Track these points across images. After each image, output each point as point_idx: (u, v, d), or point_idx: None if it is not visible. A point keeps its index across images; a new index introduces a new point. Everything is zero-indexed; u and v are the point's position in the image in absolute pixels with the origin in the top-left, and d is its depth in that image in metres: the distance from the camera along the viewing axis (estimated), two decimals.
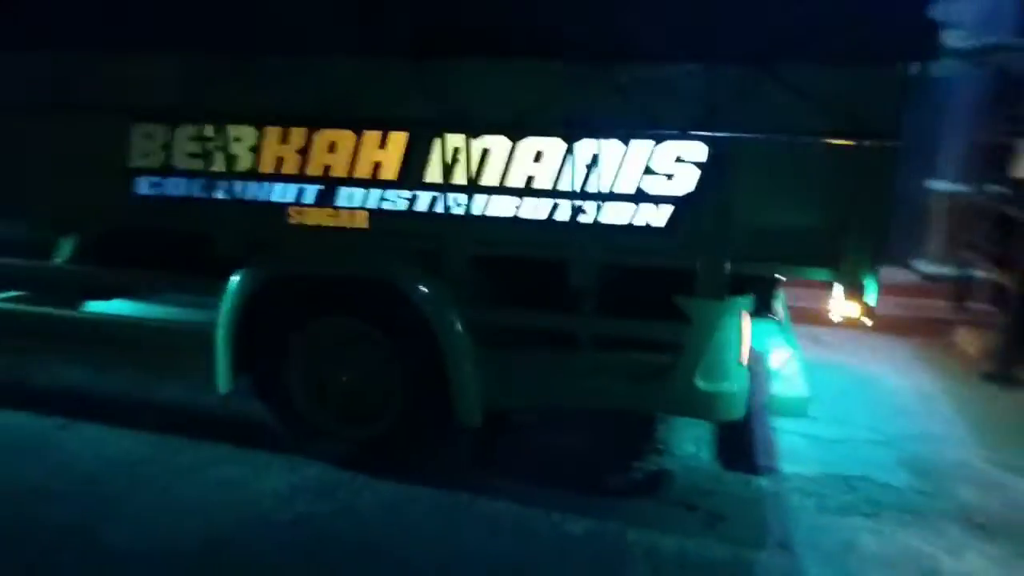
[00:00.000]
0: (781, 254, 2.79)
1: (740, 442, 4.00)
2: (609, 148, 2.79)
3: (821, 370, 4.98)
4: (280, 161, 3.12)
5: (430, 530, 3.15)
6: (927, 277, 6.01)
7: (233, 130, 3.10)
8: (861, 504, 3.51)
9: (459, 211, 2.98)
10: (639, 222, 2.85)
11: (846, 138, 2.57)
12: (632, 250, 2.90)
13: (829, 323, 5.47)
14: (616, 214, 2.86)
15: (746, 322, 3.09)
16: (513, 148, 2.87)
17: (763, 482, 3.68)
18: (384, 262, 3.15)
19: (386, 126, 2.96)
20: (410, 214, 3.03)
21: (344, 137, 3.02)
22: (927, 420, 4.35)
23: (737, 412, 3.11)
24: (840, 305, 2.91)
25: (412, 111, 2.92)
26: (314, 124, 3.03)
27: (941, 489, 3.66)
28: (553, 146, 2.84)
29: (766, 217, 2.74)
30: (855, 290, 2.79)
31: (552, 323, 3.13)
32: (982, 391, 4.75)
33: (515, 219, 2.95)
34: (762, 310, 3.70)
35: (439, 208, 3.00)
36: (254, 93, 3.04)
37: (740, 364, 3.09)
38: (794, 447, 4.02)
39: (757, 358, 3.45)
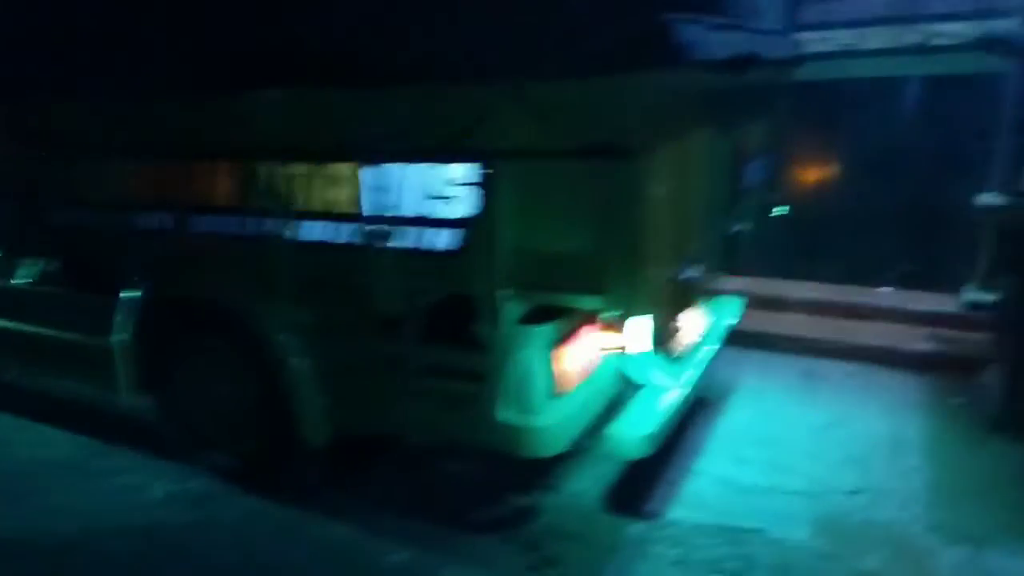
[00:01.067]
0: (552, 281, 2.61)
1: (635, 483, 3.75)
2: (392, 173, 2.79)
3: (790, 408, 4.51)
4: (143, 194, 3.44)
5: (263, 548, 3.28)
6: (971, 306, 5.17)
7: (107, 166, 3.47)
8: (730, 560, 3.16)
9: (277, 236, 3.11)
10: (426, 246, 2.80)
11: (589, 156, 2.39)
12: (425, 275, 2.86)
13: (849, 356, 5.06)
14: (407, 238, 2.84)
15: (563, 353, 2.92)
16: (314, 174, 2.96)
17: (638, 528, 3.42)
18: (218, 285, 3.35)
19: (213, 157, 3.17)
20: (238, 239, 3.20)
21: (184, 170, 3.28)
22: (882, 473, 3.76)
23: (550, 448, 2.94)
24: (609, 337, 2.67)
25: (231, 142, 3.10)
26: (160, 159, 3.32)
27: (842, 551, 3.19)
28: (346, 172, 2.89)
29: (533, 243, 2.59)
30: (622, 319, 2.54)
31: (370, 348, 3.15)
32: (982, 443, 4.01)
33: (321, 244, 3.03)
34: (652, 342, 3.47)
35: (259, 233, 3.14)
36: (115, 134, 3.39)
37: (552, 397, 2.92)
38: (703, 493, 3.68)
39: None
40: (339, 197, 2.90)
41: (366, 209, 2.85)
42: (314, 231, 3.02)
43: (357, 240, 2.92)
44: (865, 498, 3.56)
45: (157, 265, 3.57)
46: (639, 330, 2.56)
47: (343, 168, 2.85)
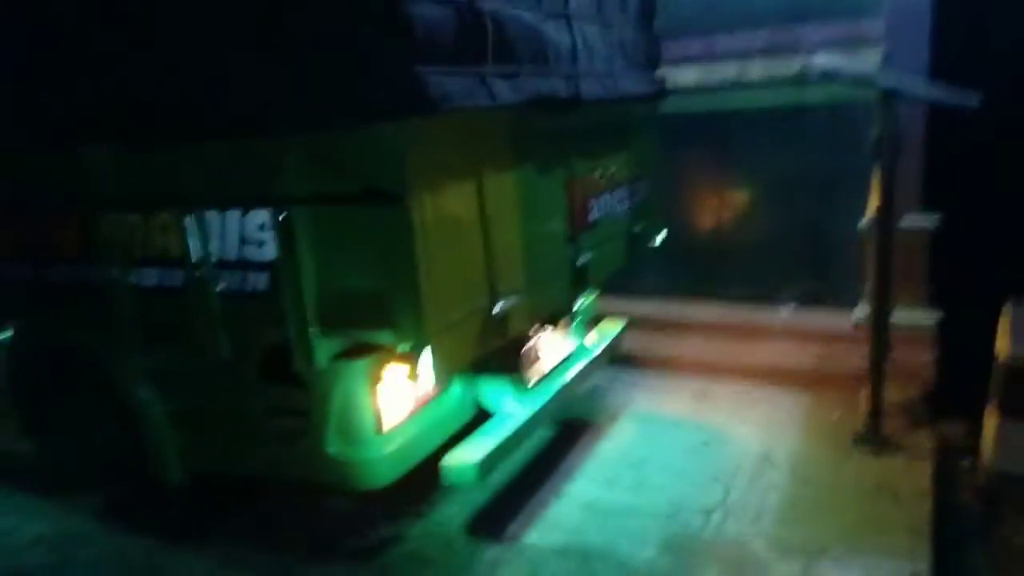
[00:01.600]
0: (352, 319, 2.74)
1: (502, 507, 3.85)
2: (211, 221, 2.92)
3: (673, 429, 4.61)
4: (15, 245, 3.58)
5: None
6: (857, 323, 5.29)
7: None
8: None
9: (120, 284, 3.24)
10: (247, 289, 2.93)
11: (363, 201, 2.54)
12: (248, 317, 2.98)
13: (742, 376, 5.16)
14: (229, 282, 2.97)
15: (388, 387, 3.04)
16: (145, 224, 3.10)
17: (493, 551, 3.50)
18: (76, 333, 3.48)
19: (60, 209, 3.32)
20: (90, 288, 3.33)
21: (38, 222, 3.43)
22: (742, 490, 3.85)
23: (379, 481, 3.04)
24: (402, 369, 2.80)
25: (71, 195, 3.25)
26: (14, 213, 3.48)
27: (681, 569, 3.28)
28: (171, 221, 3.03)
29: (333, 282, 2.72)
30: (412, 355, 2.67)
31: (211, 390, 3.26)
32: (845, 459, 4.10)
33: (158, 290, 3.16)
34: (505, 372, 3.60)
35: (106, 281, 3.27)
36: None
37: (378, 431, 3.03)
38: (565, 515, 3.77)
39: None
40: (168, 245, 3.04)
41: (192, 255, 2.98)
42: (151, 278, 3.16)
43: (187, 286, 3.06)
44: (719, 515, 3.65)
45: (25, 314, 3.70)
46: (426, 363, 2.67)
47: (167, 217, 3.00)
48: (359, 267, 2.65)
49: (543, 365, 3.87)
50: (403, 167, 2.44)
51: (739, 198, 6.31)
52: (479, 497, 3.97)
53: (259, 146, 2.66)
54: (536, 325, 3.82)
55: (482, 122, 2.77)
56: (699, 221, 6.49)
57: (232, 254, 2.91)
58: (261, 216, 2.77)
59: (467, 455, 3.19)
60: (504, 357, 3.62)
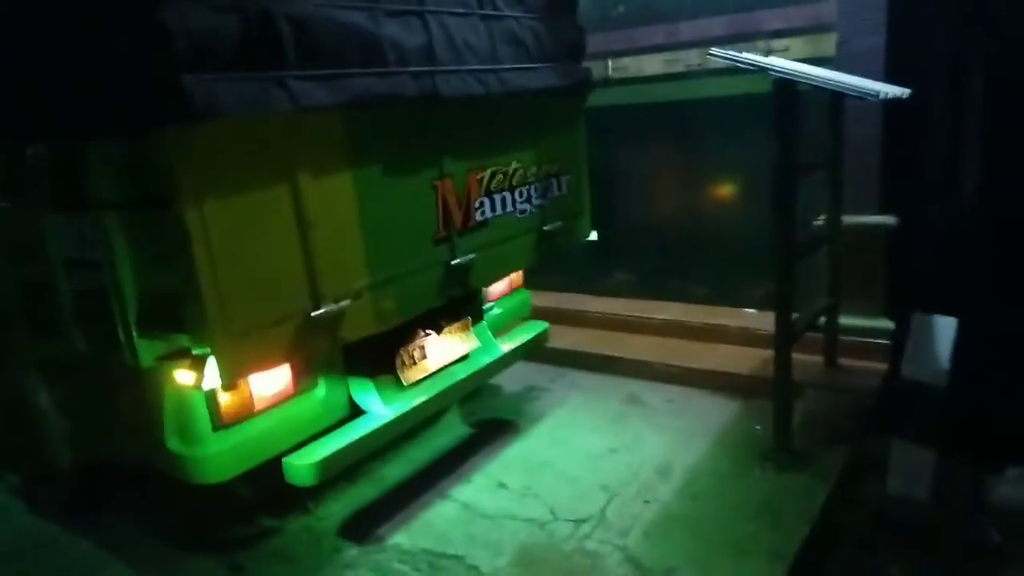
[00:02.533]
0: (160, 321, 2.77)
1: (383, 508, 3.86)
2: (54, 222, 3.05)
3: (588, 434, 4.50)
4: None
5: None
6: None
7: None
8: None
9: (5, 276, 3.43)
10: (89, 289, 3.02)
11: (141, 207, 2.61)
12: (93, 315, 3.05)
13: (681, 380, 4.98)
14: (79, 281, 3.08)
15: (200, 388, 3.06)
16: (14, 220, 3.26)
17: (352, 553, 3.52)
18: None
19: None
20: None
21: None
22: (626, 501, 3.71)
23: (216, 475, 3.09)
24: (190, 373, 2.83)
25: None
26: None
27: None
28: (26, 220, 3.17)
29: (141, 285, 2.77)
30: (203, 359, 2.70)
31: (79, 381, 3.40)
32: (746, 473, 3.88)
33: (30, 285, 3.32)
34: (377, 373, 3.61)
35: None
36: None
37: (216, 427, 3.09)
38: (441, 518, 3.75)
39: None
40: (36, 241, 3.17)
41: (52, 255, 3.11)
42: (22, 273, 3.33)
43: (49, 282, 3.19)
44: (588, 527, 3.54)
45: None
46: (213, 366, 2.70)
47: (23, 217, 3.14)
48: (156, 271, 2.70)
49: (427, 366, 3.84)
50: (173, 173, 2.46)
51: (701, 193, 6.02)
52: (368, 494, 4.01)
53: (75, 150, 2.75)
54: (421, 326, 3.84)
55: (293, 124, 2.75)
56: (659, 217, 6.25)
57: (76, 254, 3.02)
58: (82, 219, 2.86)
59: (308, 455, 3.21)
60: (377, 357, 3.65)
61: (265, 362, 2.94)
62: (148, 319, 2.80)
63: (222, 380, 2.70)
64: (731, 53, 3.56)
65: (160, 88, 2.35)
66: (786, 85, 3.46)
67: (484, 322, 4.34)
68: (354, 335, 3.20)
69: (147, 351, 2.89)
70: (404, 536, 3.61)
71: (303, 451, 3.24)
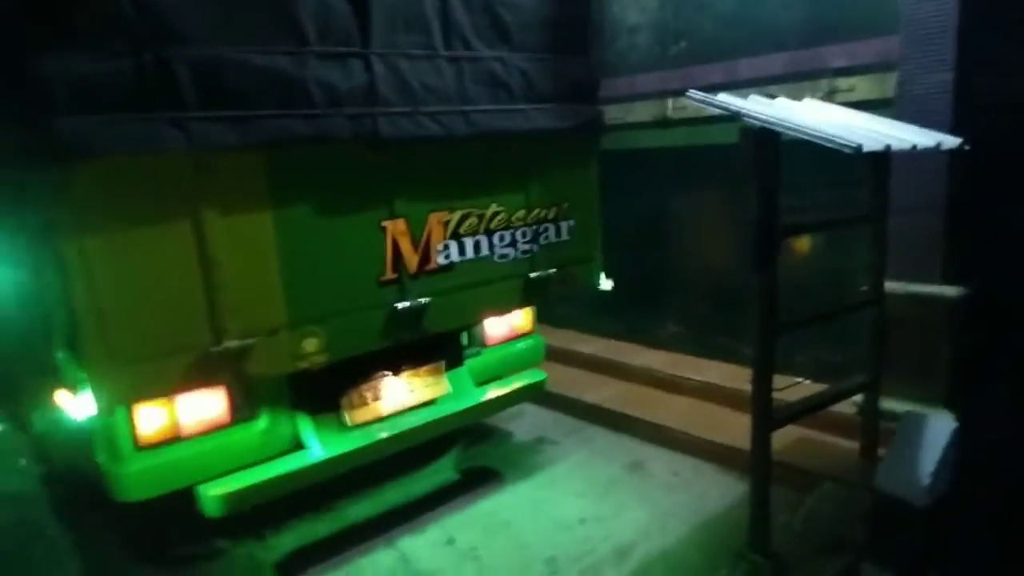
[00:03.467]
0: (70, 345, 2.89)
1: (326, 545, 3.82)
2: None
3: (568, 498, 4.19)
4: None
5: None
6: (859, 409, 4.27)
7: None
8: None
9: None
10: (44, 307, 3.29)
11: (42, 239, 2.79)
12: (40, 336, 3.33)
13: (696, 451, 4.54)
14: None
15: (147, 410, 3.18)
16: None
17: None
18: None
19: None
20: None
21: None
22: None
23: (134, 493, 3.18)
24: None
25: None
26: None
27: None
28: None
29: (59, 309, 2.91)
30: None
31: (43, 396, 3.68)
32: (713, 573, 3.37)
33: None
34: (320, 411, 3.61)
35: None
36: None
37: (136, 448, 3.20)
38: (374, 566, 3.67)
39: None
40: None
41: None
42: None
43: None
44: None
45: None
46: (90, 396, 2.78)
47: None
48: (60, 298, 2.85)
49: (379, 408, 3.76)
50: (54, 207, 2.61)
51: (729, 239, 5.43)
52: (321, 531, 3.98)
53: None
54: (382, 366, 3.78)
55: (204, 163, 2.83)
56: (717, 266, 5.69)
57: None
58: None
59: (217, 485, 3.24)
60: (322, 395, 3.62)
61: (155, 391, 3.01)
62: (66, 342, 2.98)
63: (97, 405, 2.79)
64: (706, 96, 3.15)
65: (41, 130, 2.50)
66: (764, 134, 3.01)
67: (464, 367, 4.18)
68: (269, 371, 3.20)
69: (70, 370, 3.07)
70: None
71: (215, 481, 3.28)
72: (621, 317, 6.22)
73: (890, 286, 4.05)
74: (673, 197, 5.81)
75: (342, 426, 3.64)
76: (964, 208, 3.92)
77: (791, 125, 2.92)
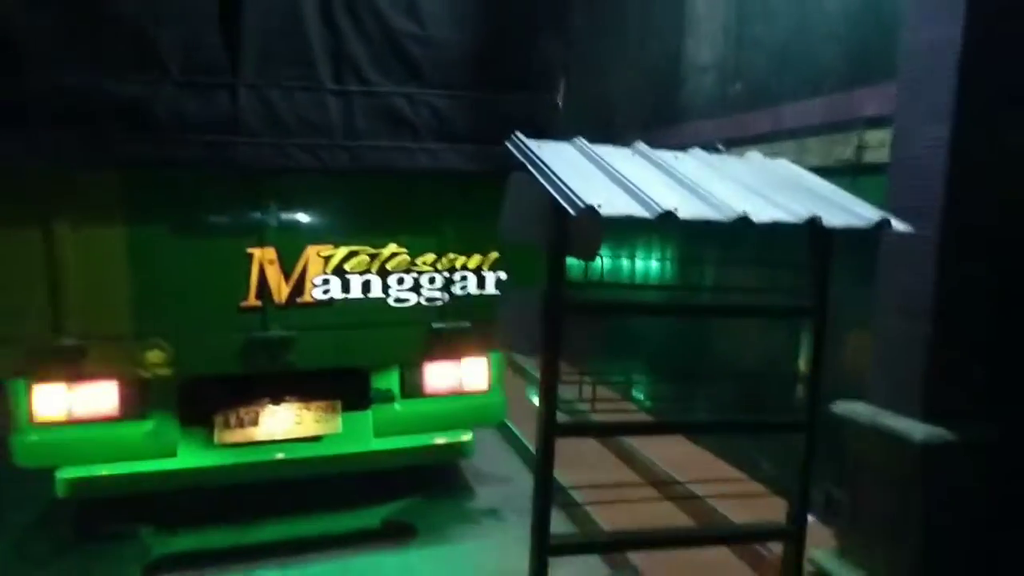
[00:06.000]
0: None
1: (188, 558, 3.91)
2: None
3: None
4: None
5: None
6: None
7: None
8: None
9: None
10: None
11: None
12: None
13: None
14: None
15: (44, 391, 3.58)
16: None
17: None
18: None
19: None
20: None
21: None
22: None
23: (24, 461, 3.57)
24: None
25: None
26: None
27: None
28: None
29: None
30: None
31: None
32: None
33: None
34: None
35: None
36: None
37: (29, 422, 3.62)
38: None
39: None
40: None
41: None
42: None
43: None
44: None
45: None
46: None
47: None
48: None
49: (254, 433, 3.78)
50: None
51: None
52: (217, 540, 4.06)
53: None
54: (268, 393, 3.81)
55: (59, 177, 3.18)
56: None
57: None
58: None
59: (67, 471, 3.54)
60: (196, 409, 3.77)
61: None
62: None
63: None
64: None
65: None
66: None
67: (367, 411, 4.02)
68: (110, 374, 3.43)
69: None
70: None
71: (68, 467, 3.58)
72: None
73: (855, 409, 3.00)
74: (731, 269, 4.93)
75: (208, 442, 3.74)
76: (969, 312, 2.74)
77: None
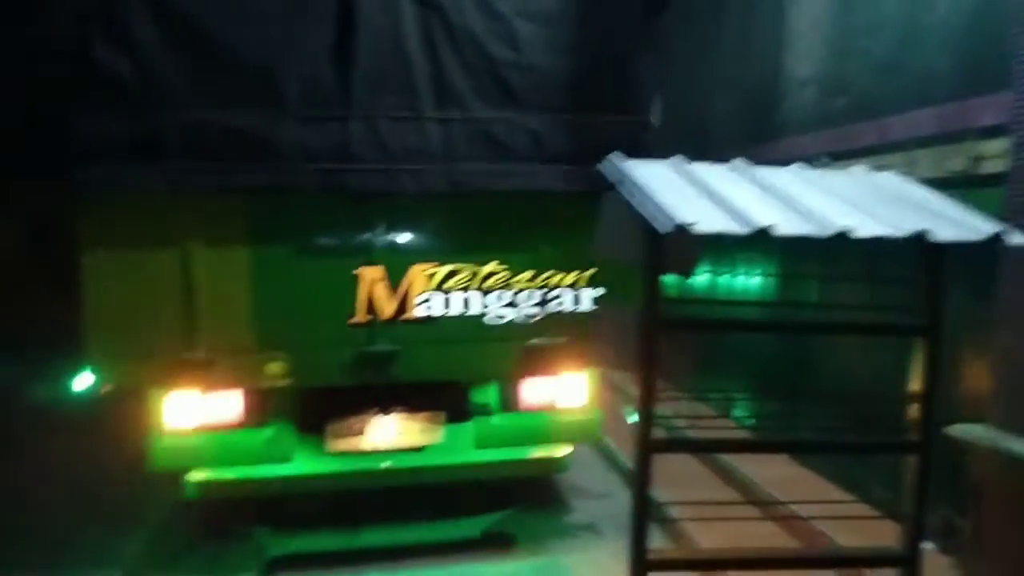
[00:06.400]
0: None
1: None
2: None
3: None
4: None
5: None
6: None
7: None
8: None
9: None
10: None
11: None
12: None
13: None
14: None
15: (174, 399, 3.89)
16: None
17: None
18: None
19: None
20: None
21: None
22: None
23: (160, 465, 3.90)
24: None
25: None
26: None
27: None
28: None
29: None
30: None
31: None
32: None
33: None
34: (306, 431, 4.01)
35: None
36: None
37: (162, 431, 3.94)
38: None
39: None
40: None
41: None
42: None
43: None
44: None
45: None
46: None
47: None
48: None
49: (361, 442, 3.98)
50: (78, 231, 3.47)
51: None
52: (328, 544, 4.27)
53: None
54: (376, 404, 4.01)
55: (191, 204, 3.48)
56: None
57: None
58: None
59: (194, 473, 3.84)
60: (312, 418, 4.01)
61: (140, 381, 3.71)
62: None
63: (94, 385, 3.59)
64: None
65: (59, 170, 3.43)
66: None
67: (469, 423, 4.15)
68: (235, 385, 3.71)
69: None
70: None
71: (196, 471, 3.88)
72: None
73: (974, 432, 2.87)
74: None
75: (320, 449, 3.97)
76: None
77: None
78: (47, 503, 4.87)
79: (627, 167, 2.58)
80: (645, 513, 2.62)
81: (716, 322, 3.03)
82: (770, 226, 2.12)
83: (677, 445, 2.82)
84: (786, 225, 2.16)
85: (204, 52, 3.40)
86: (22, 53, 4.55)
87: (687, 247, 2.52)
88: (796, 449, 4.41)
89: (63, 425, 6.06)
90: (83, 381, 3.63)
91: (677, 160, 2.78)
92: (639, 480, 2.60)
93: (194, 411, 3.92)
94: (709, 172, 2.69)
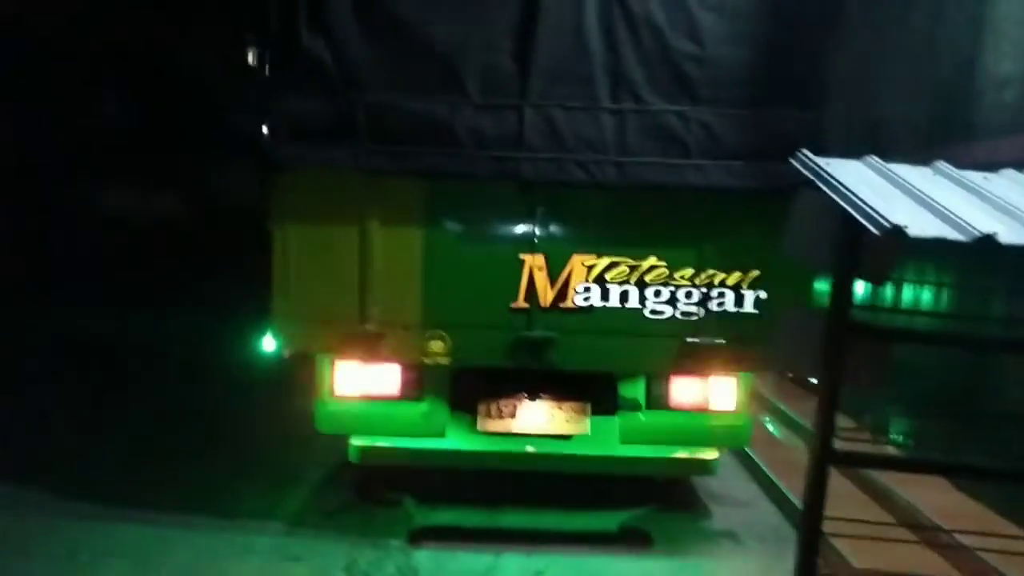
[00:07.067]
0: None
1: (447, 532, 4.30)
2: None
3: None
4: None
5: None
6: None
7: None
8: None
9: None
10: None
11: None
12: None
13: None
14: None
15: (343, 368, 4.17)
16: None
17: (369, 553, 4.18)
18: None
19: None
20: None
21: None
22: None
23: (325, 428, 4.16)
24: None
25: None
26: None
27: None
28: None
29: None
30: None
31: None
32: None
33: None
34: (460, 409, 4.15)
35: None
36: None
37: (329, 395, 4.21)
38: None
39: None
40: None
41: None
42: None
43: None
44: None
45: None
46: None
47: None
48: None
49: (511, 424, 4.08)
50: (271, 205, 3.74)
51: None
52: (469, 520, 4.44)
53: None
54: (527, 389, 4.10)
55: (372, 185, 3.66)
56: None
57: None
58: None
59: (358, 439, 4.07)
60: (466, 397, 4.15)
61: (317, 347, 3.96)
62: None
63: (277, 347, 3.88)
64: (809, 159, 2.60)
65: (264, 148, 3.70)
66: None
67: (615, 417, 4.15)
68: (400, 358, 3.90)
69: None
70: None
71: (358, 436, 4.10)
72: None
73: None
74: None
75: (471, 428, 4.10)
76: None
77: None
78: (221, 457, 5.34)
79: (823, 163, 2.49)
80: (816, 528, 2.54)
81: (911, 333, 2.87)
82: (994, 234, 1.98)
83: (857, 459, 2.70)
84: (1011, 234, 2.01)
85: (396, 39, 3.56)
86: (231, 41, 4.90)
87: (885, 252, 2.40)
88: (980, 476, 4.08)
89: (247, 384, 6.68)
90: (268, 344, 3.94)
91: (871, 159, 2.65)
92: (812, 493, 2.52)
93: (359, 380, 4.16)
94: (910, 173, 2.54)
